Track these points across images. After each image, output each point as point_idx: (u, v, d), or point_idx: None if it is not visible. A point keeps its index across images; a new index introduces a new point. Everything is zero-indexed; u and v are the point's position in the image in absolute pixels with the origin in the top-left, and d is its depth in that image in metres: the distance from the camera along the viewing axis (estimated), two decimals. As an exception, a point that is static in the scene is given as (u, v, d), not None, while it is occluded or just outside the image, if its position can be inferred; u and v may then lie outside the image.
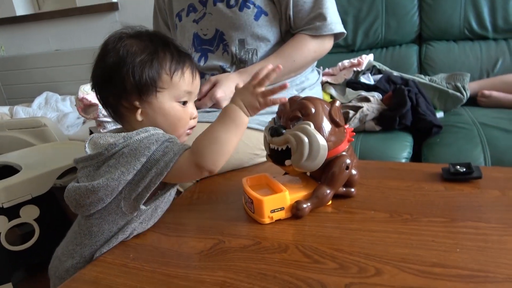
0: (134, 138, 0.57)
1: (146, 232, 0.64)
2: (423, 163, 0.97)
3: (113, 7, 2.21)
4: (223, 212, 0.68)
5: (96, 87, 0.63)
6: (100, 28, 2.32)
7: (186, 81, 0.63)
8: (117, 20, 2.25)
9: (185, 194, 0.79)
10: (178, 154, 0.57)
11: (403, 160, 1.06)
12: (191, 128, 0.67)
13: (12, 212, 1.12)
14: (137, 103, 0.61)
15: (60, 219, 1.23)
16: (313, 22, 0.93)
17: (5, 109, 2.18)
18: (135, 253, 0.58)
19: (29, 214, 1.16)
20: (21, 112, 2.06)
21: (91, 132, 1.26)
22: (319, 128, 0.60)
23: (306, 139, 0.58)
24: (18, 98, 2.47)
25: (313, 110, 0.61)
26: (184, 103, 0.64)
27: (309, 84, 1.01)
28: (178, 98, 0.63)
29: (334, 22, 0.94)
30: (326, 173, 0.63)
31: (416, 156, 1.10)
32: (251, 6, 0.91)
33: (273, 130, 0.62)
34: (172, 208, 0.72)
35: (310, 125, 0.59)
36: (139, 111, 0.61)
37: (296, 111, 0.61)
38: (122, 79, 0.59)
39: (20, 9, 2.47)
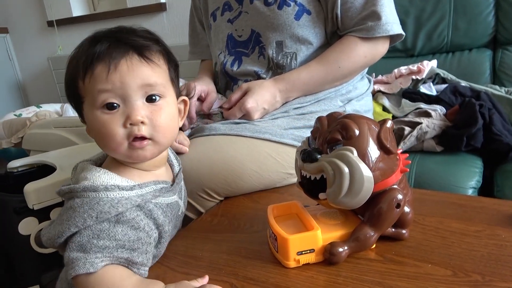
0: (79, 193, 0.48)
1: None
2: (498, 199, 0.79)
3: (161, 8, 2.20)
4: (243, 245, 0.58)
5: None
6: (148, 28, 2.32)
7: (98, 79, 0.47)
8: (165, 21, 2.24)
9: (205, 217, 0.70)
10: (81, 268, 0.45)
11: (470, 191, 0.89)
12: (136, 140, 0.49)
13: (42, 214, 1.11)
14: (81, 119, 0.53)
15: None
16: (364, 22, 0.79)
17: (57, 107, 2.27)
18: (134, 290, 0.50)
19: (60, 217, 1.15)
20: (70, 110, 2.12)
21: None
22: (363, 156, 0.47)
23: (346, 170, 0.46)
24: (70, 96, 2.57)
25: (357, 132, 0.48)
26: (112, 107, 0.48)
27: (357, 94, 0.88)
28: (96, 103, 0.48)
29: (390, 22, 0.79)
30: (371, 209, 0.51)
31: (487, 187, 0.92)
32: (292, 3, 0.80)
33: (306, 154, 0.51)
34: (187, 234, 0.64)
35: (352, 152, 0.47)
36: (87, 128, 0.53)
37: (336, 132, 0.49)
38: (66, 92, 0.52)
39: (77, 10, 2.57)
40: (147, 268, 0.51)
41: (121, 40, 0.49)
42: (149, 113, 0.49)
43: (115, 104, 0.48)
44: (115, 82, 0.47)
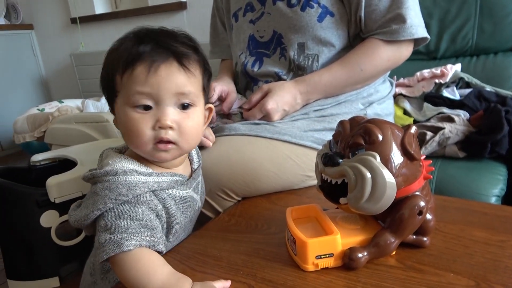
0: (100, 178, 0.50)
1: (171, 260, 0.56)
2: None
3: (181, 6, 2.22)
4: (260, 246, 0.58)
5: None
6: (169, 27, 2.35)
7: (136, 80, 0.49)
8: (185, 20, 2.26)
9: (222, 217, 0.70)
10: (110, 250, 0.47)
11: (493, 199, 0.86)
12: (161, 142, 0.50)
13: (63, 207, 1.14)
14: (111, 109, 0.55)
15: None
16: (388, 25, 0.78)
17: (78, 102, 2.32)
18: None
19: (79, 211, 1.17)
20: (91, 105, 2.16)
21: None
22: (386, 161, 0.47)
23: (368, 175, 0.45)
24: (91, 92, 2.62)
25: (380, 137, 0.48)
26: (145, 108, 0.50)
27: (378, 97, 0.87)
28: (129, 102, 0.49)
29: (415, 25, 0.78)
30: (392, 215, 0.50)
31: (512, 195, 0.89)
32: (315, 5, 0.79)
33: (327, 158, 0.50)
34: (206, 233, 0.64)
35: (375, 157, 0.46)
36: (115, 119, 0.55)
37: (358, 137, 0.49)
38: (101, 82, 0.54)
39: (99, 8, 2.62)
40: (164, 246, 0.52)
41: (162, 45, 0.50)
42: (178, 119, 0.50)
43: (148, 106, 0.49)
44: (153, 85, 0.49)
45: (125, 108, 0.50)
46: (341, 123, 0.53)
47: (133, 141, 0.51)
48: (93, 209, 0.49)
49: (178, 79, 0.50)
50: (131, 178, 0.50)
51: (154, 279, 0.47)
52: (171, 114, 0.50)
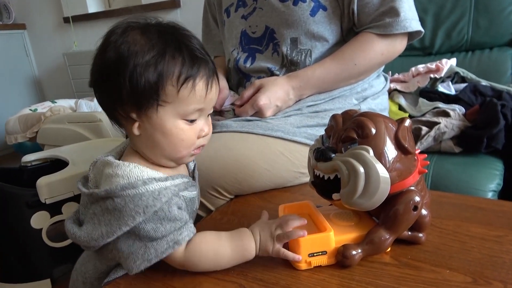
0: (118, 193, 0.46)
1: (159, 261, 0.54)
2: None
3: (175, 4, 2.21)
4: (253, 245, 0.56)
5: (92, 84, 0.52)
6: (162, 25, 2.33)
7: (197, 96, 0.50)
8: (179, 18, 2.25)
9: (214, 215, 0.69)
10: (171, 248, 0.48)
11: (490, 194, 0.86)
12: (199, 148, 0.55)
13: (54, 208, 1.12)
14: (134, 115, 0.50)
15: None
16: (382, 19, 0.77)
17: (71, 102, 2.30)
18: (142, 288, 0.49)
19: (71, 211, 1.15)
20: (84, 105, 2.14)
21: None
22: (380, 155, 0.46)
23: (361, 170, 0.44)
24: (84, 92, 2.60)
25: (374, 131, 0.47)
26: (194, 120, 0.52)
27: (372, 92, 0.85)
28: (184, 115, 0.50)
29: (409, 19, 0.77)
30: (386, 211, 0.49)
31: (508, 190, 0.89)
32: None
33: (319, 153, 0.49)
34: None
35: (368, 151, 0.45)
36: (136, 124, 0.50)
37: (351, 131, 0.48)
38: (118, 83, 0.48)
39: (92, 7, 2.59)
40: None
41: (206, 59, 0.51)
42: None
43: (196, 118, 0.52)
44: (207, 102, 0.52)
45: (175, 119, 0.50)
46: (334, 117, 0.52)
47: (177, 149, 0.52)
48: (120, 225, 0.46)
49: (217, 93, 0.54)
50: (153, 187, 0.48)
51: (229, 254, 0.50)
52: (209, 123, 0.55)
